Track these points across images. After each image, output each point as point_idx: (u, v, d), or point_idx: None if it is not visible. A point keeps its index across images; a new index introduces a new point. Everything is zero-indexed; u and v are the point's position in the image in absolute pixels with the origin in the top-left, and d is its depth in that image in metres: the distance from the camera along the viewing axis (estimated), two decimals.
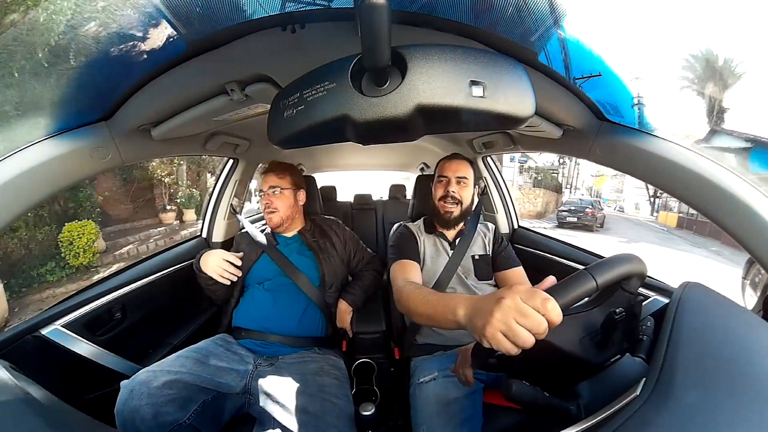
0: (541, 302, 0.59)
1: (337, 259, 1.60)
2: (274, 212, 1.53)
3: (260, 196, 1.58)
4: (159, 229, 8.79)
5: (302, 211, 1.67)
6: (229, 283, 1.43)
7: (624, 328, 0.73)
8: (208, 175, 10.52)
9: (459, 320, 0.72)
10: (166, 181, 9.22)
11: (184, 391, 1.01)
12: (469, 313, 0.69)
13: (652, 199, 25.48)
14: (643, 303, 1.05)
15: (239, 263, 1.47)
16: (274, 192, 1.53)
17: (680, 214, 19.43)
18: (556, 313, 0.58)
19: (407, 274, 1.26)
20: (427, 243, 1.48)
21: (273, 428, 1.04)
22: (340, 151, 2.99)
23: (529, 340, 0.58)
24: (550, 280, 0.69)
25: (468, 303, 0.72)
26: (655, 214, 24.55)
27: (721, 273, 7.38)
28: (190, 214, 9.61)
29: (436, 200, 1.46)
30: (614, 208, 32.92)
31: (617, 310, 0.67)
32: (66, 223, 6.28)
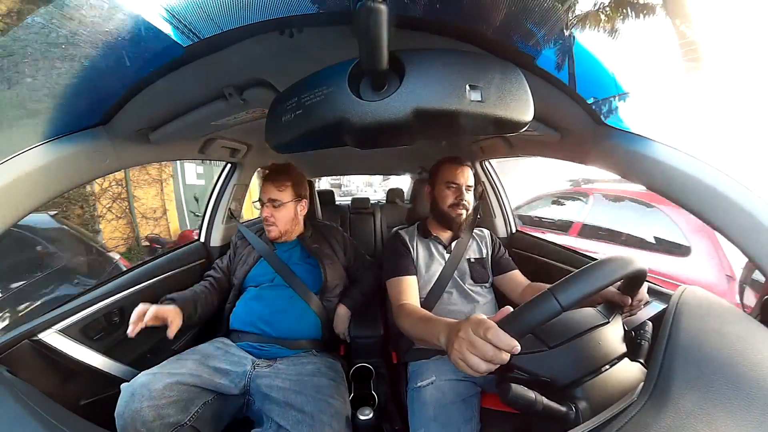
0: (483, 332, 0.63)
1: (339, 265, 1.60)
2: (272, 226, 1.50)
3: (259, 204, 1.53)
4: None
5: (302, 218, 1.65)
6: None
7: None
8: None
9: (441, 345, 0.79)
10: None
11: (185, 393, 1.01)
12: (445, 340, 0.76)
13: None
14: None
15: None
16: (273, 205, 1.49)
17: None
18: (500, 340, 0.62)
19: (402, 294, 1.30)
20: (420, 248, 1.47)
21: (270, 428, 1.04)
22: (337, 155, 2.98)
23: (480, 367, 0.63)
24: (505, 310, 0.70)
25: (446, 330, 0.78)
26: None
27: None
28: None
29: (446, 206, 1.43)
30: None
31: None
32: None
